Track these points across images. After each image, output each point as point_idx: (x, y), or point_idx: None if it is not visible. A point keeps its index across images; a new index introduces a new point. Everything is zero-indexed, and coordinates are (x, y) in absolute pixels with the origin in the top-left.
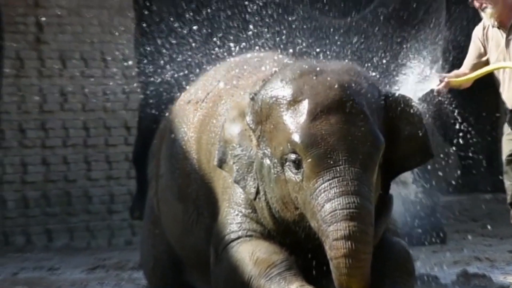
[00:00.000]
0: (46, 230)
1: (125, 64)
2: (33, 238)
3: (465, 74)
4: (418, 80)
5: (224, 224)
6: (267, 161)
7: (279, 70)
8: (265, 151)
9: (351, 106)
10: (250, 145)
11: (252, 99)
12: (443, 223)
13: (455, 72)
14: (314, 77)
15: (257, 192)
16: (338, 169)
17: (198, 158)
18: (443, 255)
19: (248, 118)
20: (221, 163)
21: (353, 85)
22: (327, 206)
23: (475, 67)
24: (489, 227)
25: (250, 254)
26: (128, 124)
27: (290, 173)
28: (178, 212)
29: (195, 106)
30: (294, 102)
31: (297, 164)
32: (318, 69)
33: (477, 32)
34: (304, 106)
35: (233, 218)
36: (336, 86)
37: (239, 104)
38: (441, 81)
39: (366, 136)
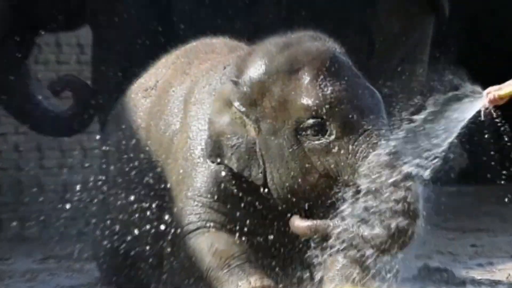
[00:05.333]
0: None
1: None
2: None
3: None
4: (465, 100)
5: (182, 215)
6: (275, 140)
7: (256, 48)
8: (270, 129)
9: (343, 65)
10: (244, 131)
11: (236, 83)
12: None
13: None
14: (299, 46)
15: (265, 176)
16: (368, 120)
17: (148, 147)
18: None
19: (237, 104)
20: (218, 158)
21: (330, 46)
22: (371, 157)
23: None
24: (451, 220)
25: (209, 245)
26: None
27: (311, 141)
28: (126, 202)
29: (144, 94)
30: (292, 72)
31: (320, 128)
32: (294, 40)
33: None
34: (306, 72)
35: (192, 208)
36: (323, 50)
37: (221, 94)
38: (490, 101)
39: (367, 88)
